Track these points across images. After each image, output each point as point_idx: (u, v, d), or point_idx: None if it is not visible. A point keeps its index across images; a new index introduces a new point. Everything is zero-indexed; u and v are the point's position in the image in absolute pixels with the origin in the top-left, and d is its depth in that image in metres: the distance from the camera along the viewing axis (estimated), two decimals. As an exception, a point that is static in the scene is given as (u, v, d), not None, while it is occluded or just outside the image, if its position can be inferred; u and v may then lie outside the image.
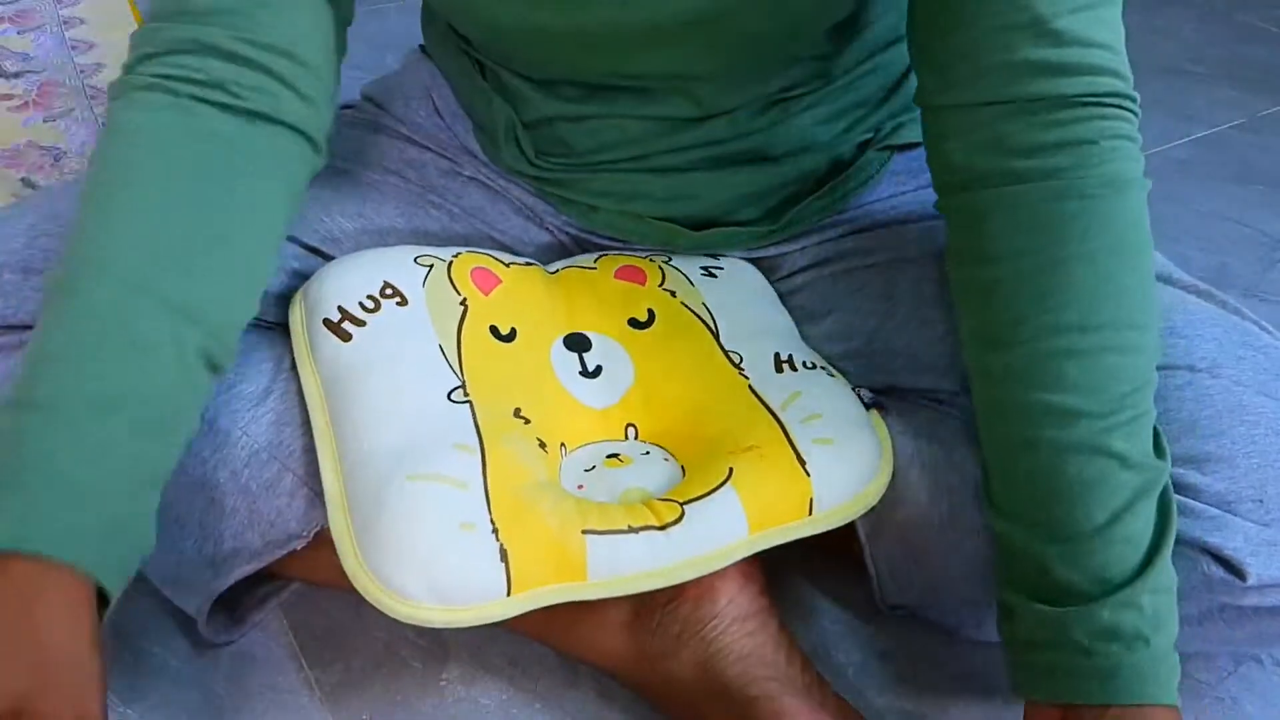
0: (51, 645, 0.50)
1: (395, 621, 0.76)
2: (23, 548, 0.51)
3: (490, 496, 0.62)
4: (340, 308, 0.70)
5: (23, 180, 1.24)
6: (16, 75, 1.47)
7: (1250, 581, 0.61)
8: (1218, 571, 0.62)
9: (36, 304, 0.65)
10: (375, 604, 0.60)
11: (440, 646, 0.76)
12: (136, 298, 0.57)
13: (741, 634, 0.68)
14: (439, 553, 0.59)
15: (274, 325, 0.74)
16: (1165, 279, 0.70)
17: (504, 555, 0.60)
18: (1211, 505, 0.62)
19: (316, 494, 0.66)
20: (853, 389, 0.73)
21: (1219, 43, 1.80)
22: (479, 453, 0.64)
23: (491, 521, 0.61)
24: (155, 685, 0.73)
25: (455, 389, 0.67)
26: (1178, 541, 0.60)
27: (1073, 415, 0.58)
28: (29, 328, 0.65)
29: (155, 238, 0.58)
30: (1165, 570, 0.58)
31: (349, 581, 0.67)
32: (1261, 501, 0.61)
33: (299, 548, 0.67)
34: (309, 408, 0.68)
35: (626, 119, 0.75)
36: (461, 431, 0.65)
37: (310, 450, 0.67)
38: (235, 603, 0.75)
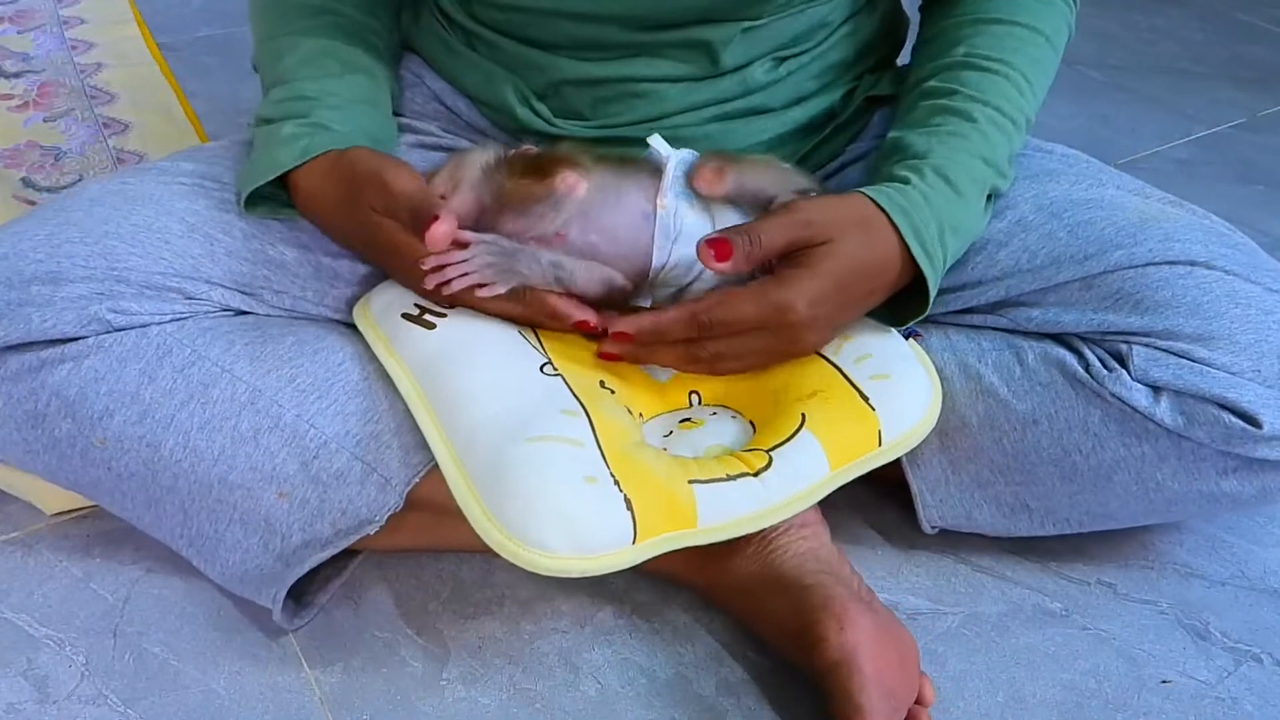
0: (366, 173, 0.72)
1: (395, 621, 0.77)
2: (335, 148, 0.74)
3: (605, 453, 0.67)
4: (417, 304, 0.75)
5: (23, 180, 1.23)
6: (16, 75, 1.47)
7: (1265, 430, 0.70)
8: (1236, 423, 0.70)
9: (73, 315, 0.70)
10: (514, 560, 0.64)
11: (440, 646, 0.76)
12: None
13: (798, 537, 0.75)
14: (571, 504, 0.64)
15: (313, 319, 0.79)
16: (1142, 194, 0.81)
17: (629, 504, 0.65)
18: (1221, 372, 0.71)
19: (386, 480, 0.70)
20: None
21: (1219, 43, 1.80)
22: (584, 416, 0.69)
23: (611, 475, 0.66)
24: (155, 685, 0.73)
25: (544, 364, 0.72)
26: (1199, 399, 0.70)
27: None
28: (69, 340, 0.71)
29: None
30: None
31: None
32: (1260, 370, 0.71)
33: (371, 533, 0.70)
34: (403, 394, 0.72)
35: (640, 81, 0.80)
36: (563, 399, 0.70)
37: (376, 438, 0.71)
38: (299, 588, 0.76)
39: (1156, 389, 0.72)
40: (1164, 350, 0.72)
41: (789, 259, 0.70)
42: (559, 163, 0.73)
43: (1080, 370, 0.74)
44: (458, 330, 0.73)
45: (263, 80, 0.82)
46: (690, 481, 0.67)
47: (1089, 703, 0.74)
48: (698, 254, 0.69)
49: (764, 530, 0.75)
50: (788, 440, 0.71)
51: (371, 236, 0.72)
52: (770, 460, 0.70)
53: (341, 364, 0.74)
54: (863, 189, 0.72)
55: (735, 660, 0.76)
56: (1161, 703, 0.74)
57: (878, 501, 0.87)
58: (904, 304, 0.75)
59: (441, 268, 0.70)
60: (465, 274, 0.70)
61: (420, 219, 0.68)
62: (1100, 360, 0.74)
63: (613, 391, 0.73)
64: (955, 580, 0.83)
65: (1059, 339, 0.76)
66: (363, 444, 0.71)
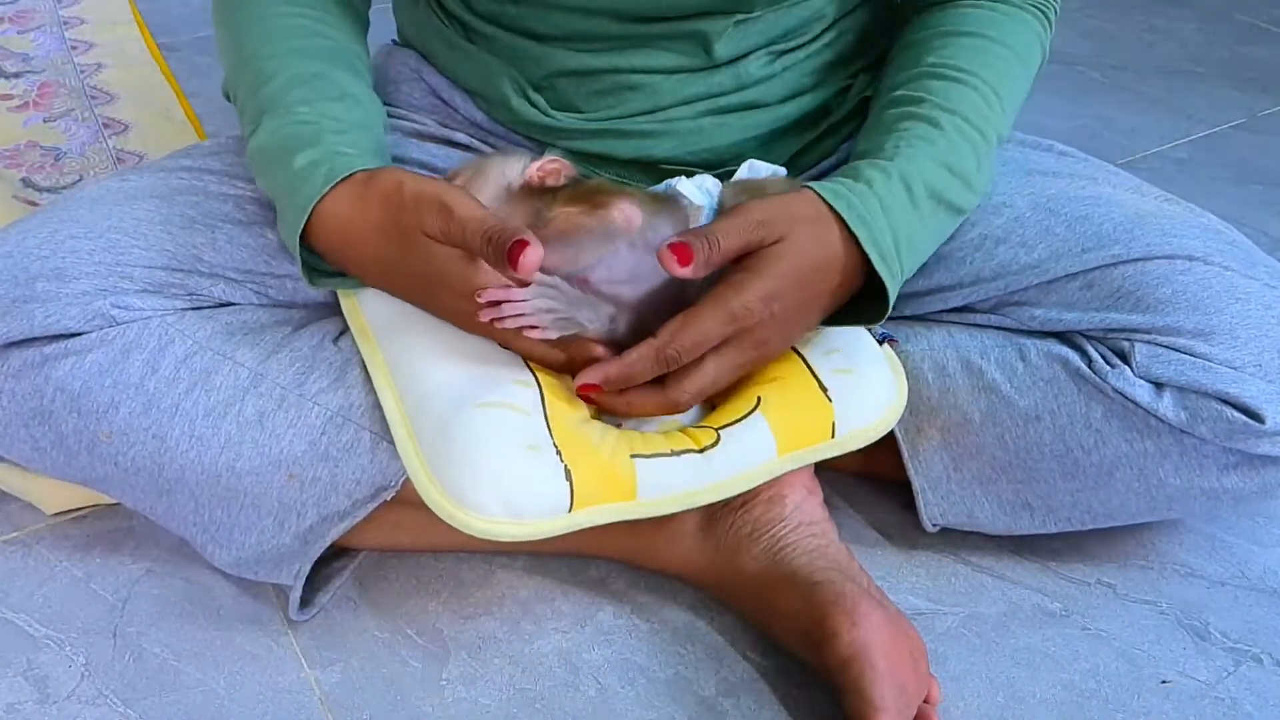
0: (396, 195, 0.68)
1: (395, 621, 0.77)
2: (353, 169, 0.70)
3: (550, 424, 0.68)
4: None
5: (23, 180, 1.23)
6: (16, 75, 1.47)
7: (1268, 425, 0.70)
8: (1239, 418, 0.71)
9: (78, 310, 0.70)
10: (449, 521, 0.66)
11: (440, 646, 0.76)
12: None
13: (806, 534, 0.76)
14: (511, 471, 0.66)
15: (310, 303, 0.79)
16: (1139, 191, 0.82)
17: (568, 474, 0.67)
18: (1223, 367, 0.72)
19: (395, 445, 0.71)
20: (865, 328, 0.78)
21: (1219, 43, 1.80)
22: (536, 387, 0.69)
23: (554, 445, 0.67)
24: (155, 685, 0.73)
25: None
26: (1202, 394, 0.71)
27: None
28: (74, 335, 0.71)
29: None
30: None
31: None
32: (1260, 365, 0.72)
33: (388, 498, 0.72)
34: (363, 353, 0.73)
35: (634, 73, 0.80)
36: (518, 369, 0.70)
37: (380, 406, 0.71)
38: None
39: (1159, 385, 0.72)
40: (1166, 346, 0.72)
41: (740, 263, 0.68)
42: (608, 193, 0.70)
43: (1083, 366, 0.75)
44: None
45: (243, 105, 0.77)
46: (633, 455, 0.69)
47: (1089, 703, 0.74)
48: (659, 259, 0.65)
49: (774, 528, 0.76)
50: (739, 420, 0.72)
51: (420, 263, 0.68)
52: (718, 438, 0.71)
53: (338, 339, 0.76)
54: (819, 186, 0.70)
55: (735, 660, 0.76)
56: (1161, 703, 0.74)
57: (878, 501, 0.87)
58: (864, 309, 0.73)
59: (498, 303, 0.66)
60: (520, 314, 0.67)
61: (501, 245, 0.62)
62: (1103, 357, 0.74)
63: None
64: (955, 580, 0.83)
65: (1062, 337, 0.77)
66: (367, 414, 0.72)
